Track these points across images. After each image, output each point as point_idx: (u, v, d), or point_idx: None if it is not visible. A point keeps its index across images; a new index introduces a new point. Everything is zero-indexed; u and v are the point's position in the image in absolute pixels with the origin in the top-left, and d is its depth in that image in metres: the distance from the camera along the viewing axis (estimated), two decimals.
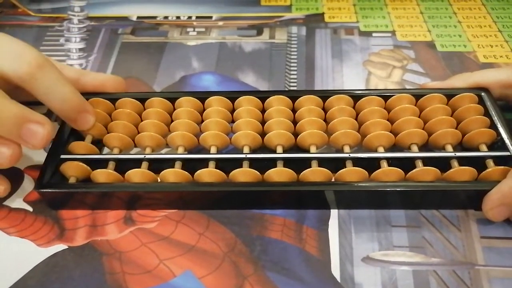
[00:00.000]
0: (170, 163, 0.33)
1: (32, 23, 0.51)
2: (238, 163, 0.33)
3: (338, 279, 0.29)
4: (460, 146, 0.34)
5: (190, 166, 0.33)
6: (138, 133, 0.35)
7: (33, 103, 0.32)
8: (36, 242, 0.32)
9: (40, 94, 0.31)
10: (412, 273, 0.29)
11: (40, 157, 0.36)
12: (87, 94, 0.36)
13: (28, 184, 0.35)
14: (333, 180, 0.32)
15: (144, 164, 0.33)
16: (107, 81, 0.37)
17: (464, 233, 0.31)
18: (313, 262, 0.30)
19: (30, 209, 0.33)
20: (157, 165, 0.33)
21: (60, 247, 0.31)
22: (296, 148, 0.35)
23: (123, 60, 0.46)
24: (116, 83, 0.38)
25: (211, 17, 0.52)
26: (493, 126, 0.34)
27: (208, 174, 0.32)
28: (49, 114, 0.41)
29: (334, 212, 0.33)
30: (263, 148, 0.35)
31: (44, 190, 0.32)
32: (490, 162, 0.32)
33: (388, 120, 0.35)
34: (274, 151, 0.34)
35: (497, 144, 0.33)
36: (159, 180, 0.33)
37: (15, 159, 0.31)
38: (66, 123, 0.35)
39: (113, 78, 0.38)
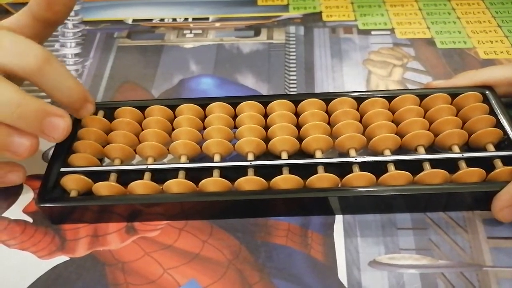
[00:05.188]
0: (173, 172, 0.32)
1: None
2: (243, 170, 0.32)
3: (345, 284, 0.29)
4: (466, 146, 0.34)
5: (194, 175, 0.32)
6: (139, 142, 0.35)
7: None
8: (37, 254, 0.31)
9: (48, 88, 0.32)
10: (419, 276, 0.29)
11: (39, 166, 0.36)
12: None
13: (27, 195, 0.35)
14: (339, 185, 0.32)
15: (147, 175, 0.33)
16: None
17: (471, 234, 0.31)
18: (319, 268, 0.30)
19: (30, 220, 0.33)
20: (160, 175, 0.33)
21: (61, 258, 0.31)
22: (301, 153, 0.34)
23: (120, 64, 0.46)
24: None
25: (207, 19, 0.51)
26: (498, 124, 0.34)
27: (213, 183, 0.31)
28: None
29: (339, 216, 0.32)
30: (267, 154, 0.34)
31: (45, 205, 0.31)
32: (498, 162, 0.32)
33: (392, 121, 0.35)
34: (279, 157, 0.34)
35: (503, 143, 0.33)
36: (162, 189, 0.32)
37: (34, 149, 0.31)
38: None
39: None
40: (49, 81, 0.31)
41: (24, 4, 0.34)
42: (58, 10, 0.35)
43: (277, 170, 0.32)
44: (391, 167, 0.32)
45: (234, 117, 0.36)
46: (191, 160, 0.34)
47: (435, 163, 0.32)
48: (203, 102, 0.36)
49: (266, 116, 0.36)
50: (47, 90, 0.32)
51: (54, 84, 0.31)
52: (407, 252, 0.30)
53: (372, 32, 0.48)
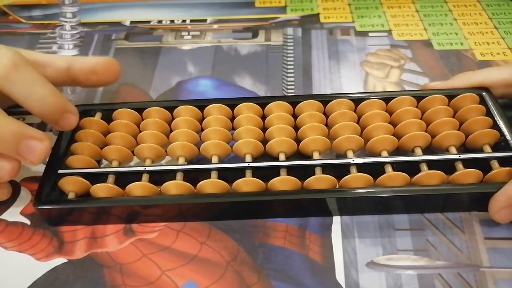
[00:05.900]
0: (171, 174, 0.33)
1: (23, 30, 0.51)
2: (240, 172, 0.32)
3: (343, 285, 0.29)
4: (463, 147, 0.34)
5: (192, 176, 0.32)
6: (137, 144, 0.35)
7: None
8: (35, 256, 0.31)
9: (17, 96, 0.31)
10: (417, 277, 0.29)
11: (37, 168, 0.36)
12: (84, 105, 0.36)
13: (25, 197, 0.35)
14: (337, 187, 0.32)
15: (145, 177, 0.33)
16: (97, 65, 0.36)
17: (468, 235, 0.31)
18: (317, 269, 0.30)
19: (28, 222, 0.33)
20: (158, 177, 0.33)
21: (59, 260, 0.31)
22: (299, 154, 0.34)
23: None
24: (108, 65, 0.36)
25: (205, 20, 0.51)
26: (495, 126, 0.34)
27: (211, 185, 0.32)
28: (43, 125, 0.40)
29: (336, 217, 0.32)
30: (265, 156, 0.34)
31: (43, 207, 0.31)
32: (494, 163, 0.32)
33: (390, 123, 0.35)
34: (277, 159, 0.34)
35: (500, 144, 0.33)
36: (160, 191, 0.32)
37: (15, 173, 0.31)
38: (63, 137, 0.34)
39: (104, 60, 0.36)
40: (17, 90, 0.30)
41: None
42: (95, 82, 0.36)
43: (275, 171, 0.32)
44: (389, 168, 0.32)
45: (232, 118, 0.36)
46: (189, 162, 0.34)
47: (432, 164, 0.32)
48: (201, 104, 0.36)
49: (264, 117, 0.36)
50: (17, 99, 0.31)
51: (23, 92, 0.30)
52: (405, 253, 0.30)
53: (370, 34, 0.48)
